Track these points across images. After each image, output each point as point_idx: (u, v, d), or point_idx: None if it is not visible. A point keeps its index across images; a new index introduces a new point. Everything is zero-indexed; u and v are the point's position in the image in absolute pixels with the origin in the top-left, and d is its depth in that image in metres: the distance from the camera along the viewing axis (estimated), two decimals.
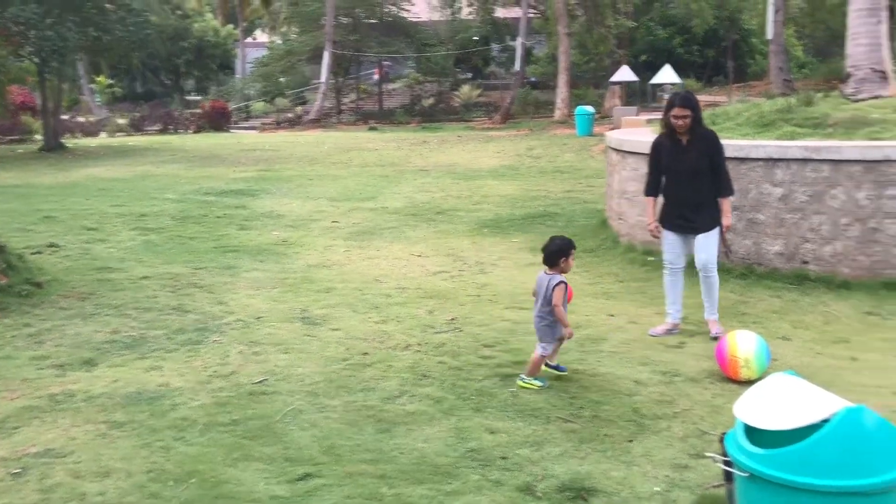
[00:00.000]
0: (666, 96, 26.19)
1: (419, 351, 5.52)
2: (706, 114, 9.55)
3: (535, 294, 5.02)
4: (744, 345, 4.98)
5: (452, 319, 6.28)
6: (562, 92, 28.51)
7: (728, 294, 6.86)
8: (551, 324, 4.88)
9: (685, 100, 5.75)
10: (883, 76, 8.40)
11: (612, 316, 6.45)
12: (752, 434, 2.64)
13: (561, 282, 4.86)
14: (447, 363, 5.26)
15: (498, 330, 6.04)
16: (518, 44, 32.22)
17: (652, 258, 7.78)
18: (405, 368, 5.15)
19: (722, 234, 5.86)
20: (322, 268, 8.20)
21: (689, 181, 5.75)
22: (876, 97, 8.30)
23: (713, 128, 8.55)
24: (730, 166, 7.03)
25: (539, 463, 3.91)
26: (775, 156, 6.87)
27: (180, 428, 4.28)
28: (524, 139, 22.60)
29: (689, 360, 5.38)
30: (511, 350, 5.53)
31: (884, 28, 8.41)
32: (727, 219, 5.81)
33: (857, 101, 8.34)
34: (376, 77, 38.95)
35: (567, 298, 5.00)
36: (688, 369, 5.19)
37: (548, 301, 4.84)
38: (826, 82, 18.48)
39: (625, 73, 25.73)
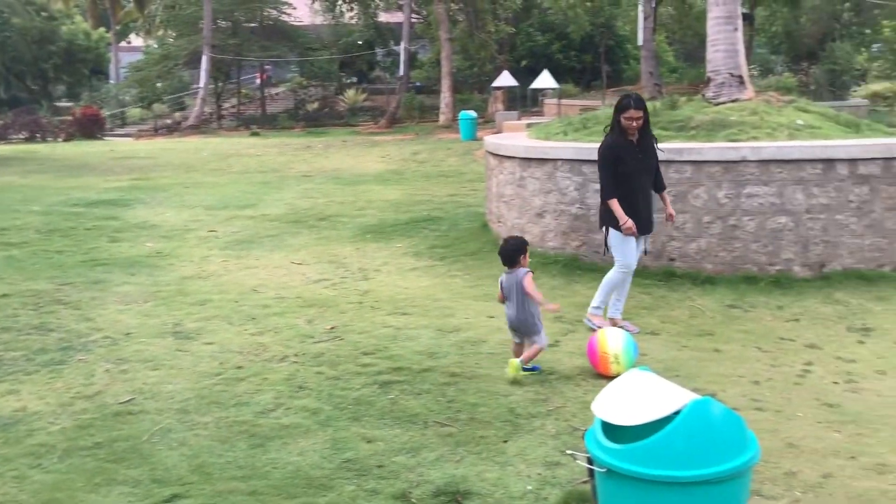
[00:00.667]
0: (548, 101, 27.04)
1: (296, 362, 5.43)
2: (579, 118, 9.89)
3: (503, 299, 5.23)
4: (613, 341, 5.14)
5: (332, 328, 6.21)
6: (445, 97, 28.79)
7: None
8: (534, 317, 5.10)
9: (639, 102, 5.91)
10: (740, 80, 8.87)
11: (493, 317, 6.53)
12: (615, 430, 2.72)
13: (529, 271, 5.15)
14: (325, 373, 5.19)
15: (379, 337, 6.01)
16: (401, 48, 32.30)
17: (530, 260, 7.93)
18: (281, 381, 5.05)
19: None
20: (197, 279, 7.95)
21: (646, 181, 6.02)
22: (735, 100, 8.74)
23: (585, 130, 8.89)
24: (597, 169, 7.29)
25: (415, 469, 3.91)
26: None
27: (37, 455, 4.05)
28: (409, 144, 22.67)
29: (564, 358, 5.51)
30: (391, 357, 5.52)
31: (739, 35, 8.88)
32: (672, 208, 6.23)
33: (717, 104, 8.77)
34: (258, 81, 38.21)
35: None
36: (563, 367, 5.32)
37: (522, 297, 5.06)
38: (693, 86, 19.41)
39: (506, 79, 26.20)
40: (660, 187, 6.20)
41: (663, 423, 2.59)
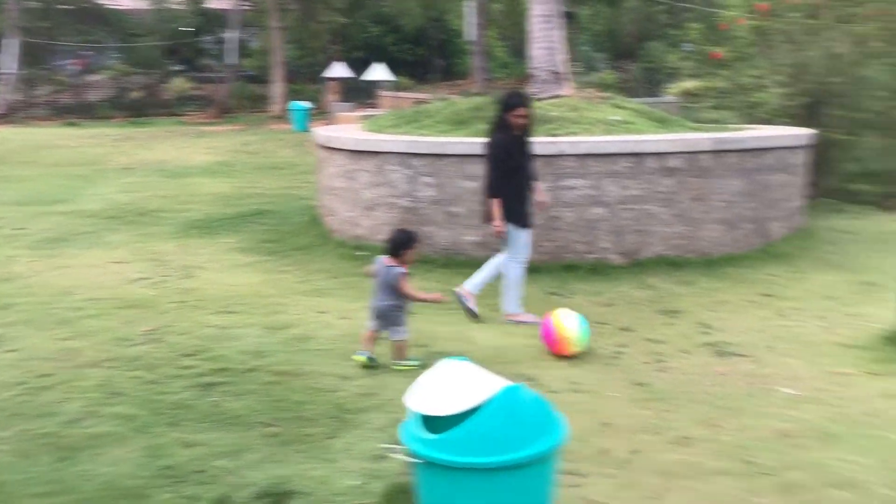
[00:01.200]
0: (383, 93, 27.07)
1: (111, 367, 5.12)
2: (411, 111, 9.96)
3: (374, 273, 5.26)
4: (569, 322, 5.37)
5: (151, 330, 5.91)
6: (278, 87, 28.15)
7: (433, 284, 7.18)
8: (400, 310, 5.14)
9: (527, 99, 6.05)
10: (560, 77, 9.24)
11: (323, 313, 6.46)
12: (436, 422, 2.75)
13: (403, 272, 5.10)
14: (142, 377, 4.93)
15: (201, 337, 5.78)
16: (230, 36, 31.24)
17: (362, 253, 7.92)
18: (93, 387, 4.75)
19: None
20: (1, 282, 7.33)
21: (529, 175, 6.15)
22: (555, 97, 9.10)
23: (416, 124, 8.96)
24: (426, 162, 7.39)
25: (237, 472, 3.80)
26: (467, 152, 7.28)
27: None
28: (239, 135, 21.98)
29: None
30: (214, 358, 5.33)
31: (558, 33, 9.24)
32: (544, 196, 6.41)
33: (539, 100, 9.08)
34: (75, 68, 35.72)
35: None
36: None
37: (392, 291, 5.09)
38: (522, 81, 20.02)
39: (339, 70, 25.96)
40: (533, 177, 6.32)
41: (474, 413, 2.65)
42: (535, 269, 7.28)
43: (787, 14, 11.09)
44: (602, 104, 9.03)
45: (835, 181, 11.61)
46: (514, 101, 6.01)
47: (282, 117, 26.04)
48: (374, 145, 7.82)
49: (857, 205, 11.19)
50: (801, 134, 8.45)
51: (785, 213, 8.19)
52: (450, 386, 2.68)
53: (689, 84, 16.16)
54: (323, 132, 9.02)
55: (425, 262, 7.51)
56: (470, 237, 7.43)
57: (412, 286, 5.25)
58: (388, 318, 5.20)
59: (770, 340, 5.80)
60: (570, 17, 30.87)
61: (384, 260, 5.22)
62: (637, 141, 7.27)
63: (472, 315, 6.25)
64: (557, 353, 5.42)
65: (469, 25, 19.78)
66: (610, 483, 3.71)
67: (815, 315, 6.37)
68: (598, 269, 7.30)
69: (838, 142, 11.01)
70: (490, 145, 6.14)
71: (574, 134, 7.93)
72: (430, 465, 2.53)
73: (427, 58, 37.39)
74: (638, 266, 7.35)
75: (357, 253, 7.98)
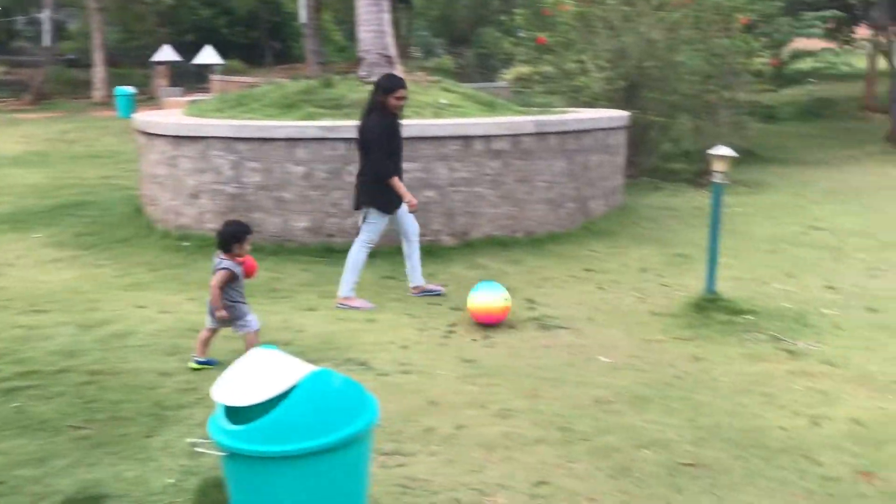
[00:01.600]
0: (214, 78, 26.04)
1: None
2: (235, 95, 9.64)
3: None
4: (491, 293, 5.72)
5: None
6: (99, 71, 26.51)
7: (262, 272, 6.98)
8: (235, 304, 4.87)
9: (404, 81, 6.04)
10: (390, 60, 9.22)
11: (143, 307, 6.14)
12: (241, 413, 2.66)
13: (225, 268, 4.78)
14: None
15: (6, 340, 5.35)
16: (45, 17, 29.07)
17: (187, 243, 7.61)
18: None
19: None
20: None
21: (401, 158, 6.15)
22: None
23: (242, 108, 8.68)
24: (251, 147, 7.19)
25: (42, 480, 3.54)
26: (295, 136, 7.14)
27: None
28: (57, 122, 20.56)
29: (217, 343, 5.35)
30: (20, 360, 4.94)
31: (386, 16, 9.22)
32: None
33: (369, 83, 9.02)
34: None
35: (250, 273, 5.02)
36: (214, 352, 5.15)
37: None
38: (358, 65, 19.85)
39: (166, 53, 24.79)
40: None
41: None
42: (370, 254, 7.28)
43: (606, 1, 11.61)
44: (431, 88, 9.11)
45: (653, 160, 12.33)
46: (395, 83, 5.99)
47: (106, 104, 24.58)
48: (197, 130, 7.50)
49: (674, 183, 11.95)
50: (617, 116, 8.89)
51: (605, 191, 8.60)
52: (255, 375, 2.61)
53: (522, 69, 16.63)
54: (142, 117, 8.56)
55: (255, 250, 7.31)
56: (301, 223, 7.30)
57: (218, 289, 4.80)
58: (230, 313, 4.91)
59: (590, 312, 6.08)
60: (405, 2, 31.03)
61: (218, 254, 4.94)
62: (464, 124, 7.38)
63: (438, 294, 6.41)
64: (497, 321, 5.72)
65: (301, 8, 19.41)
66: (434, 460, 3.75)
67: (632, 287, 6.73)
68: (431, 251, 7.36)
69: (655, 123, 11.69)
70: (368, 129, 6.02)
71: (403, 117, 7.94)
72: (236, 456, 2.45)
73: (262, 41, 36.41)
74: (469, 247, 7.49)
75: (182, 243, 7.66)
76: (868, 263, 7.54)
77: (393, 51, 9.33)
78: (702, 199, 10.99)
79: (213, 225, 7.52)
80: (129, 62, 32.10)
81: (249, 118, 8.15)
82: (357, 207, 6.21)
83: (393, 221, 6.26)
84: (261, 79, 18.82)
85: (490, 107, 9.06)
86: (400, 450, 3.85)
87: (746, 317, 5.82)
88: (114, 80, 26.60)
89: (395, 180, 5.99)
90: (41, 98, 27.63)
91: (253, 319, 4.99)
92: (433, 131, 7.24)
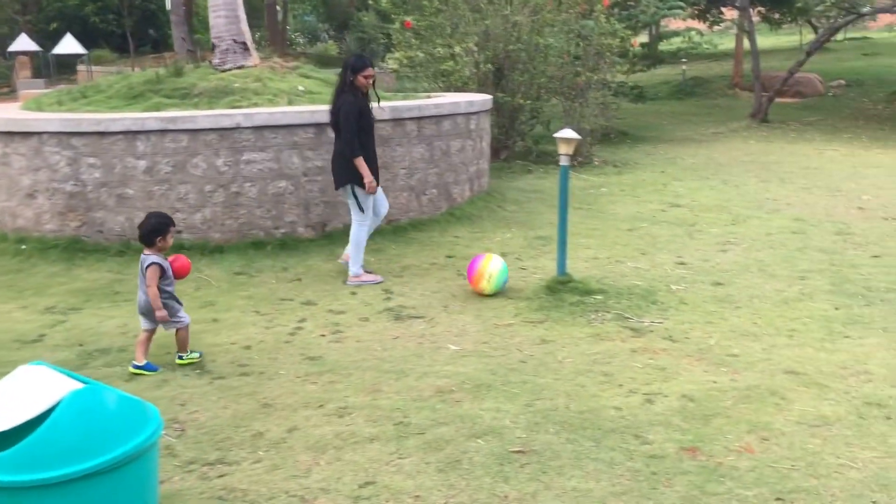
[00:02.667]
0: (83, 69, 24.74)
1: None
2: (79, 87, 9.10)
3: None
4: (494, 264, 5.94)
5: None
6: None
7: (104, 274, 6.63)
8: (167, 300, 4.72)
9: (371, 61, 6.21)
10: (245, 47, 8.89)
11: None
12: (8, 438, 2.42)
13: (154, 262, 4.64)
14: None
15: None
16: None
17: (25, 246, 7.12)
18: None
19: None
20: None
21: (373, 137, 6.31)
22: (240, 67, 8.76)
23: (84, 100, 8.18)
24: (88, 141, 6.77)
25: None
26: (134, 128, 6.76)
27: None
28: None
29: (45, 354, 5.00)
30: None
31: (239, 1, 8.87)
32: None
33: (223, 70, 8.70)
34: None
35: (182, 273, 4.86)
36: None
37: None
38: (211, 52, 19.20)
39: (24, 42, 23.38)
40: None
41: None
42: (219, 250, 7.01)
43: None
44: (289, 74, 8.83)
45: (524, 143, 12.42)
46: (362, 63, 6.12)
47: None
48: (28, 125, 7.00)
49: (545, 165, 12.06)
50: (479, 99, 8.84)
51: (469, 176, 8.55)
52: (15, 397, 2.37)
53: (412, 54, 16.47)
54: None
55: (96, 250, 6.95)
56: None
57: (156, 287, 4.65)
58: (152, 312, 4.71)
59: (447, 300, 6.00)
60: None
61: (144, 250, 4.76)
62: (314, 111, 7.15)
63: (378, 281, 6.42)
64: (472, 285, 6.02)
65: None
66: (258, 467, 3.58)
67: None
68: (287, 244, 7.15)
69: (524, 106, 11.76)
70: (340, 108, 6.14)
71: (257, 105, 7.67)
72: None
73: (137, 29, 34.86)
74: (327, 238, 7.30)
75: (22, 247, 7.16)
76: (719, 238, 7.78)
77: (248, 37, 9.00)
78: (572, 180, 11.14)
79: (51, 226, 7.08)
80: None
81: (92, 111, 7.69)
82: (338, 187, 6.34)
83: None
84: (132, 69, 18.00)
85: None
86: (224, 458, 3.66)
87: (596, 297, 5.88)
88: None
89: (360, 160, 6.11)
90: None
91: (185, 315, 4.85)
92: (280, 119, 6.98)
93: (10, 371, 4.65)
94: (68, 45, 21.64)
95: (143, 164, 6.80)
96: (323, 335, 5.32)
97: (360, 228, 6.37)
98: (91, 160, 6.81)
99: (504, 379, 4.51)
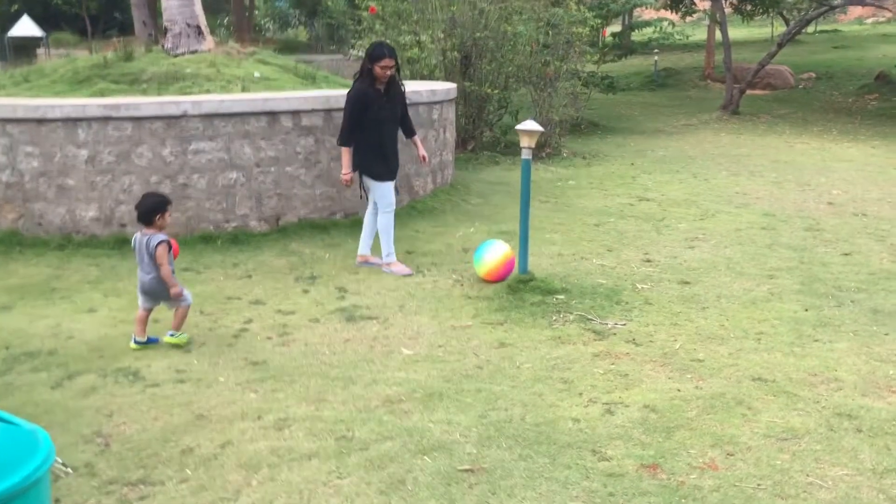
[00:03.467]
0: (42, 52, 24.00)
1: None
2: (23, 70, 8.66)
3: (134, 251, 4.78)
4: (496, 250, 5.92)
5: None
6: None
7: (43, 269, 6.27)
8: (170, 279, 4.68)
9: (392, 51, 5.96)
10: (198, 31, 8.52)
11: None
12: None
13: (163, 241, 4.64)
14: None
15: None
16: None
17: None
18: None
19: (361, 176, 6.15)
20: None
21: (393, 129, 6.14)
22: (193, 52, 8.39)
23: (26, 84, 7.77)
24: (25, 129, 6.39)
25: None
26: (75, 115, 6.39)
27: None
28: None
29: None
30: None
31: None
32: (424, 151, 6.48)
33: (176, 55, 8.33)
34: None
35: (173, 255, 4.79)
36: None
37: (154, 262, 4.64)
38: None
39: None
40: (409, 132, 6.40)
41: None
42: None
43: None
44: (245, 60, 8.47)
45: (490, 133, 12.14)
46: (380, 52, 5.89)
47: None
48: None
49: (513, 156, 11.78)
50: (442, 89, 8.54)
51: (431, 168, 8.26)
52: None
53: (367, 41, 16.06)
54: None
55: (35, 244, 6.58)
56: (89, 213, 6.56)
57: (168, 264, 4.68)
58: (158, 291, 4.72)
59: (403, 299, 5.72)
60: None
61: (142, 230, 4.73)
62: (267, 99, 6.82)
63: (406, 273, 6.20)
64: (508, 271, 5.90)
65: None
66: (184, 488, 3.29)
67: (452, 269, 6.42)
68: (238, 239, 6.83)
69: (491, 95, 11.47)
70: (348, 94, 6.03)
71: (209, 92, 7.32)
72: None
73: (102, 12, 34.00)
74: (281, 231, 6.99)
75: None
76: (687, 234, 7.57)
77: (202, 21, 8.62)
78: (538, 172, 10.89)
79: None
80: None
81: (34, 96, 7.29)
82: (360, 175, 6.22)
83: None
84: (90, 52, 17.42)
85: (310, 80, 8.52)
86: (148, 478, 3.36)
87: (559, 296, 5.63)
88: None
89: (344, 150, 6.01)
90: None
91: (189, 294, 4.85)
92: (230, 107, 6.63)
93: None
94: (25, 27, 20.95)
95: (84, 153, 6.43)
96: (269, 337, 5.02)
97: (384, 215, 6.20)
98: (28, 149, 6.43)
99: (458, 387, 4.25)
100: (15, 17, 27.26)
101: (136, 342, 4.78)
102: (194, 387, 4.29)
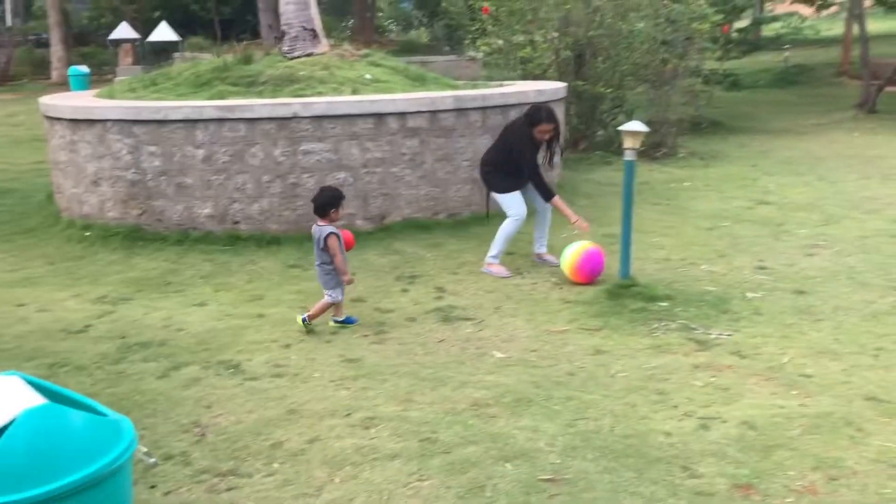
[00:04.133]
0: (178, 56, 25.33)
1: None
2: (151, 75, 9.15)
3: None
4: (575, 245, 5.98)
5: None
6: (57, 50, 25.82)
7: (161, 263, 6.60)
8: (332, 272, 5.07)
9: (551, 115, 6.12)
10: (314, 34, 8.76)
11: (22, 305, 5.75)
12: None
13: (332, 232, 5.01)
14: None
15: None
16: None
17: (89, 233, 7.19)
18: None
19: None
20: None
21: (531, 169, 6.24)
22: (309, 55, 8.63)
23: (153, 87, 8.20)
24: (148, 130, 6.75)
25: None
26: (193, 116, 6.69)
27: None
28: (11, 104, 20.00)
29: (87, 345, 4.96)
30: None
31: None
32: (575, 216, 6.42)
33: (292, 58, 8.59)
34: None
35: (349, 246, 5.23)
36: (79, 357, 4.77)
37: (324, 251, 5.03)
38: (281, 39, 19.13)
39: (124, 30, 24.12)
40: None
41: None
42: (275, 241, 6.90)
43: None
44: (358, 62, 8.65)
45: (604, 133, 11.90)
46: (538, 118, 6.05)
47: (62, 84, 23.93)
48: (93, 113, 7.03)
49: None
50: (549, 88, 8.43)
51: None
52: None
53: (481, 42, 16.10)
54: (46, 100, 8.08)
55: (155, 239, 6.94)
56: (204, 210, 6.87)
57: (339, 248, 5.07)
58: (323, 280, 5.13)
59: (500, 301, 5.69)
60: None
61: (317, 222, 5.13)
62: (374, 101, 6.93)
63: (553, 264, 6.34)
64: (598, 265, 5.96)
65: None
66: (270, 481, 3.38)
67: (551, 272, 6.33)
68: None
69: (605, 95, 11.24)
70: (510, 128, 6.32)
71: (321, 94, 7.51)
72: None
73: (237, 16, 35.55)
74: (385, 231, 7.09)
75: (86, 234, 7.24)
76: (807, 240, 7.16)
77: (318, 24, 8.86)
78: (652, 173, 10.59)
79: (114, 214, 7.12)
80: (98, 41, 31.34)
81: (160, 98, 7.70)
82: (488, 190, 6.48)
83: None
84: (217, 56, 18.29)
85: (420, 81, 8.61)
86: (237, 469, 3.48)
87: (661, 304, 5.44)
88: (78, 60, 25.92)
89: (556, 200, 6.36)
90: (6, 79, 26.96)
91: (341, 292, 5.17)
92: (339, 109, 6.78)
93: (48, 362, 4.66)
94: (163, 32, 22.20)
95: (201, 153, 6.74)
96: (366, 335, 5.10)
97: (511, 223, 6.30)
98: (151, 148, 6.80)
99: (547, 393, 4.18)
100: (157, 23, 28.94)
101: (334, 321, 5.21)
102: (290, 381, 4.40)
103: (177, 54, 23.14)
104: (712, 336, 4.94)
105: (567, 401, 4.09)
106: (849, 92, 20.94)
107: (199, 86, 7.93)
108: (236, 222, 6.87)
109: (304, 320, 5.08)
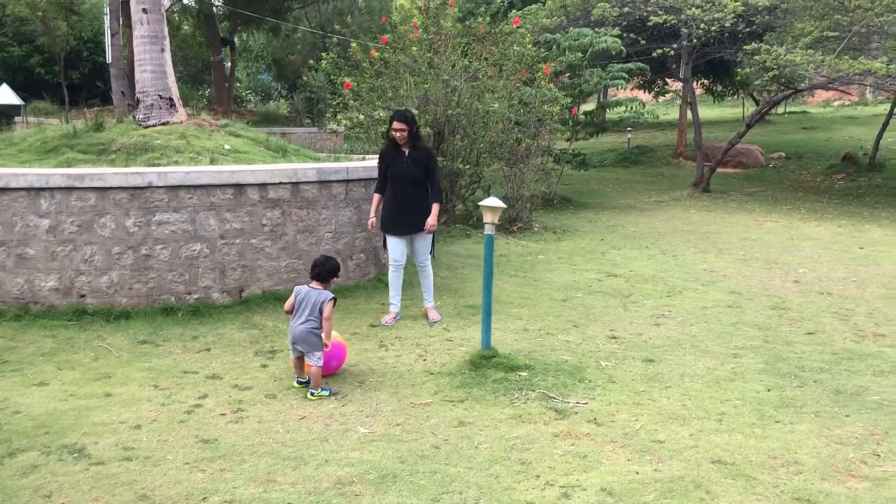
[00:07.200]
0: (19, 120, 24.07)
1: None
2: None
3: (292, 307, 5.28)
4: None
5: None
6: None
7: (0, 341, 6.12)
8: (319, 335, 5.18)
9: (403, 115, 6.57)
10: (171, 103, 8.57)
11: None
12: None
13: (333, 297, 5.23)
14: None
15: None
16: None
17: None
18: None
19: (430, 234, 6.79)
20: None
21: (406, 187, 6.60)
22: (165, 123, 8.42)
23: None
24: None
25: None
26: (37, 185, 6.34)
27: None
28: None
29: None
30: None
31: (167, 56, 8.58)
32: (432, 219, 6.66)
33: (147, 126, 8.36)
34: None
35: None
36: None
37: (319, 313, 5.17)
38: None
39: None
40: (433, 197, 6.70)
41: None
42: (125, 316, 6.56)
43: (412, 49, 11.47)
44: (216, 132, 8.51)
45: (462, 207, 12.22)
46: (393, 115, 6.62)
47: None
48: None
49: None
50: None
51: None
52: None
53: (342, 116, 16.27)
54: None
55: None
56: (48, 283, 6.46)
57: (330, 319, 5.23)
58: (309, 341, 5.17)
59: (365, 374, 5.63)
60: (226, 44, 30.17)
61: (312, 284, 5.32)
62: (234, 171, 6.82)
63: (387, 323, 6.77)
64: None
65: (108, 47, 18.30)
66: None
67: (416, 343, 6.36)
68: (199, 311, 6.72)
69: (464, 170, 11.59)
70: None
71: (177, 163, 7.32)
72: None
73: (85, 82, 34.26)
74: (244, 304, 6.90)
75: None
76: (653, 310, 7.57)
77: (175, 92, 8.68)
78: (509, 246, 10.94)
79: None
80: None
81: (1, 165, 7.25)
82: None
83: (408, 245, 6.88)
84: (65, 122, 17.49)
85: (281, 153, 8.57)
86: None
87: (521, 373, 5.56)
88: None
89: (376, 196, 6.81)
90: None
91: (322, 356, 5.24)
92: (197, 179, 6.62)
93: None
94: (4, 95, 21.04)
95: (46, 222, 6.37)
96: (223, 414, 4.90)
97: (389, 270, 6.88)
98: None
99: (412, 468, 4.14)
100: None
101: (298, 382, 5.33)
102: (141, 465, 4.15)
103: (18, 118, 21.99)
104: (570, 404, 5.08)
105: (432, 475, 4.07)
106: (685, 172, 22.64)
107: (46, 152, 7.55)
108: (83, 296, 6.50)
109: (311, 394, 5.16)
